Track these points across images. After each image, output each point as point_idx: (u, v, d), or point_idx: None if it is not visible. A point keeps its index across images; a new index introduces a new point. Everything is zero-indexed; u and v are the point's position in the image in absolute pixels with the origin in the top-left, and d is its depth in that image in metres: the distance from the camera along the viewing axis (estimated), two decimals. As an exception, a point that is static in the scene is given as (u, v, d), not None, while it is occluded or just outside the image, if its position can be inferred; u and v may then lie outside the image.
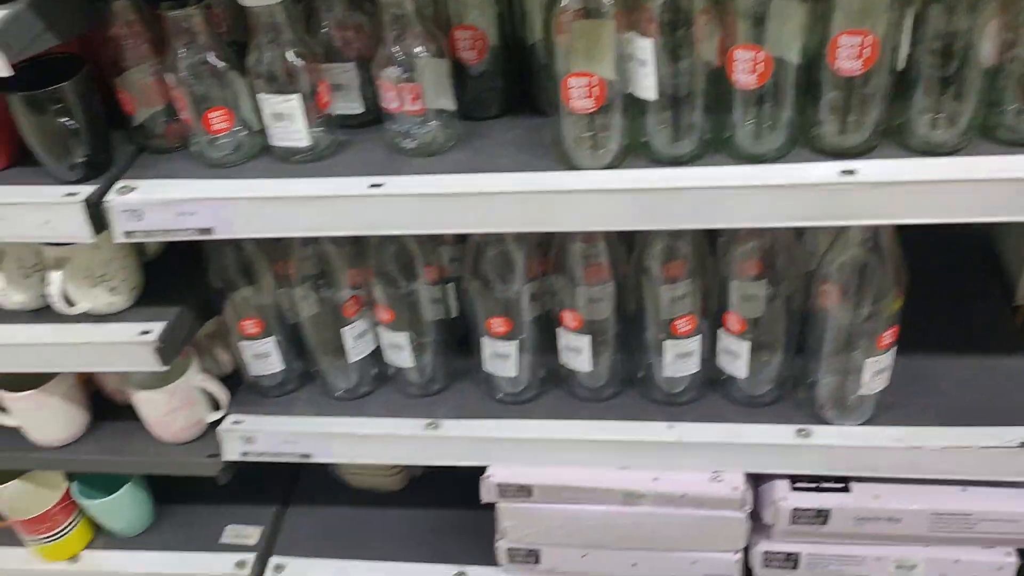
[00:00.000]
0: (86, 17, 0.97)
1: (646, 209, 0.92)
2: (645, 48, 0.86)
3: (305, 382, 1.32)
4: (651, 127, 0.93)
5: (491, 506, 1.25)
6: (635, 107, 0.91)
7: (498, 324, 1.15)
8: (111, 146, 1.03)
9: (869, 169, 0.87)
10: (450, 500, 1.48)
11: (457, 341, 1.26)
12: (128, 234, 1.00)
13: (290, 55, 0.94)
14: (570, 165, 0.95)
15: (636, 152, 0.95)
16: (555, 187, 0.92)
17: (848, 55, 0.84)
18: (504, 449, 1.21)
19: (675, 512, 1.18)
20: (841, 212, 0.89)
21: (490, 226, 0.96)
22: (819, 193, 0.88)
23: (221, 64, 0.96)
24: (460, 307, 1.24)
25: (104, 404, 1.39)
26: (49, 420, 1.30)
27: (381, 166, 0.99)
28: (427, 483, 1.54)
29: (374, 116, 1.06)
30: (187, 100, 0.97)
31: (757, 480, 1.18)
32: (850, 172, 0.87)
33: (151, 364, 1.14)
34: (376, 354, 1.25)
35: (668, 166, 0.93)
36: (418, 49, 0.93)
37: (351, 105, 1.04)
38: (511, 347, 1.17)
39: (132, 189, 0.99)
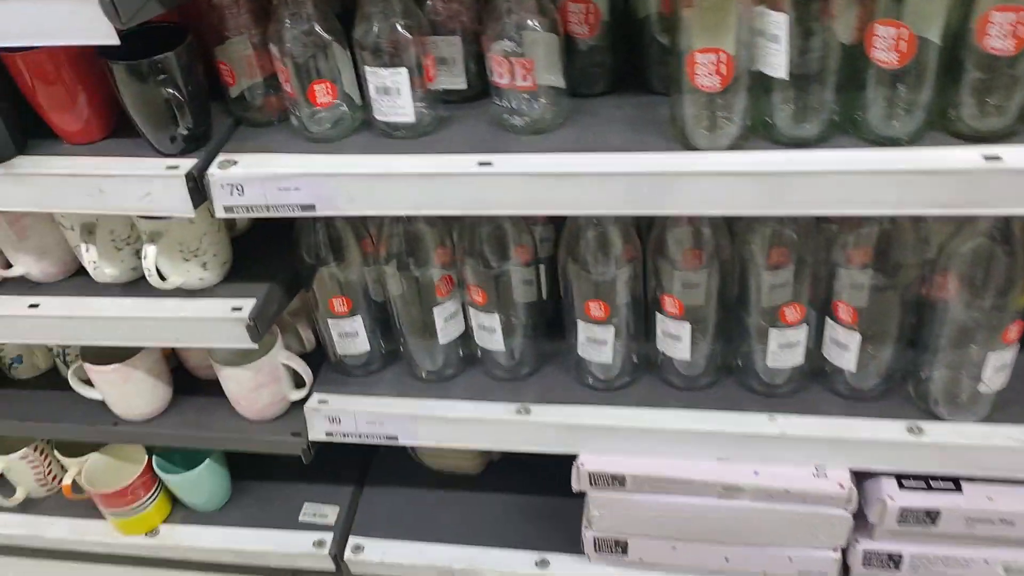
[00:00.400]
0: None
1: (769, 193, 0.87)
2: (779, 23, 0.81)
3: (389, 362, 1.29)
4: (775, 106, 0.88)
5: (573, 492, 1.21)
6: (760, 85, 0.87)
7: (596, 308, 1.11)
8: (211, 119, 1.00)
9: (1015, 155, 0.82)
10: (529, 485, 1.46)
11: (546, 323, 1.23)
12: (228, 209, 0.97)
13: (400, 27, 0.90)
14: (687, 145, 0.90)
15: (757, 132, 0.90)
16: (673, 168, 0.88)
17: (1000, 33, 0.79)
18: (596, 437, 1.18)
19: (775, 507, 1.14)
20: (982, 200, 0.84)
21: (603, 207, 0.92)
22: (960, 180, 0.83)
23: (327, 36, 0.93)
24: (549, 288, 1.21)
25: (185, 378, 1.38)
26: (134, 394, 1.29)
27: (487, 144, 0.96)
28: (505, 467, 1.51)
29: (476, 92, 1.02)
30: (291, 72, 0.94)
31: (859, 476, 1.14)
32: (995, 158, 0.82)
33: (242, 341, 1.12)
34: (464, 335, 1.22)
35: (791, 147, 0.89)
36: (532, 23, 0.89)
37: (455, 80, 1.01)
38: (608, 332, 1.13)
39: (233, 163, 0.96)
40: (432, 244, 1.13)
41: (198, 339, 1.14)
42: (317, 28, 0.93)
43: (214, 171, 0.96)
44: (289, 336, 1.31)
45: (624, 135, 0.94)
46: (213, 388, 1.33)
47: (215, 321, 1.12)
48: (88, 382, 1.31)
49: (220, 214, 0.97)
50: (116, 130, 1.04)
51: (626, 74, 1.03)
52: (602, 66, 1.00)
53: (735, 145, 0.89)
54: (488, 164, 0.92)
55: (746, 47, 0.84)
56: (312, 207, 0.96)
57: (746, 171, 0.86)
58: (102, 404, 1.34)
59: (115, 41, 0.83)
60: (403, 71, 0.92)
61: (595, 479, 1.19)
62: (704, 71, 0.83)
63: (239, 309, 1.12)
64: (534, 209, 0.93)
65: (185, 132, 0.96)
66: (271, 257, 1.21)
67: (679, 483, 1.16)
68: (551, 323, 1.23)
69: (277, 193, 0.95)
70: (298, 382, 1.29)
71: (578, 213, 0.97)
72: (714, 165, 0.87)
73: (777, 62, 0.83)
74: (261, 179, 0.95)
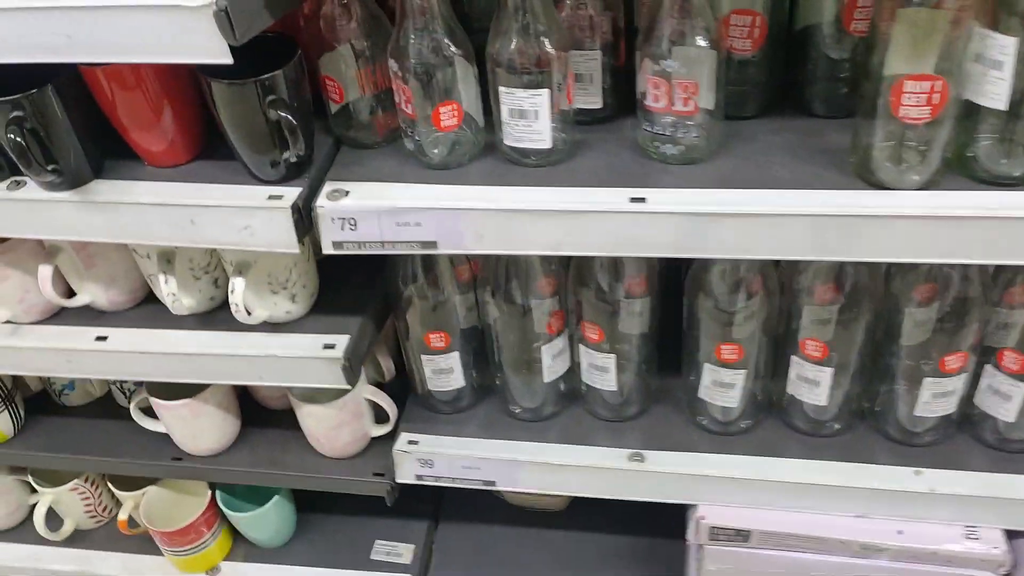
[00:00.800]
0: (300, -8, 0.82)
1: (973, 240, 0.76)
2: (1005, 47, 0.70)
3: (481, 397, 1.18)
4: (980, 140, 0.77)
5: (668, 533, 1.11)
6: (968, 117, 0.75)
7: (728, 351, 1.00)
8: (313, 140, 0.89)
9: None
10: (619, 523, 1.36)
11: (657, 359, 1.12)
12: (337, 245, 0.86)
13: (546, 43, 0.78)
14: (871, 181, 0.79)
15: (951, 168, 0.79)
16: (867, 210, 0.77)
17: None
18: (717, 488, 1.07)
19: (920, 568, 1.04)
20: None
21: (779, 252, 0.81)
22: None
23: (456, 50, 0.81)
24: (660, 320, 1.09)
25: (253, 407, 1.27)
26: (203, 429, 1.19)
27: (631, 174, 0.84)
28: (589, 505, 1.39)
29: (612, 112, 0.91)
30: (414, 91, 0.82)
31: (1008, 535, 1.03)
32: None
33: (335, 381, 1.01)
34: (567, 371, 1.11)
35: (992, 186, 0.77)
36: (699, 39, 0.77)
37: (590, 99, 0.89)
38: (738, 376, 1.02)
39: (344, 193, 0.85)
40: (540, 274, 1.01)
41: (285, 378, 1.03)
42: (446, 42, 0.81)
43: (323, 203, 0.84)
44: (368, 366, 1.20)
45: (791, 166, 0.83)
46: (283, 419, 1.23)
47: (306, 360, 1.00)
48: (151, 413, 1.20)
49: (328, 250, 0.86)
50: (204, 151, 0.92)
51: (781, 93, 0.91)
52: (757, 85, 0.88)
53: (930, 183, 0.77)
54: (641, 201, 0.80)
55: (958, 73, 0.72)
56: (434, 244, 0.85)
57: (955, 215, 0.75)
58: (164, 436, 1.22)
59: (228, 59, 0.71)
60: (544, 93, 0.80)
61: (717, 533, 1.08)
62: (913, 100, 0.72)
63: (332, 347, 1.01)
64: (695, 251, 0.82)
65: (292, 158, 0.84)
66: (357, 284, 1.10)
67: (812, 540, 1.06)
68: (661, 357, 1.11)
69: (395, 229, 0.84)
70: (380, 416, 1.18)
71: (749, 257, 0.86)
72: (914, 208, 0.76)
73: (997, 91, 0.72)
74: (377, 212, 0.84)
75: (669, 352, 1.08)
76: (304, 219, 0.85)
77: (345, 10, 0.85)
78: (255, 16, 0.73)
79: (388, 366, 1.22)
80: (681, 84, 0.79)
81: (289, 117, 0.79)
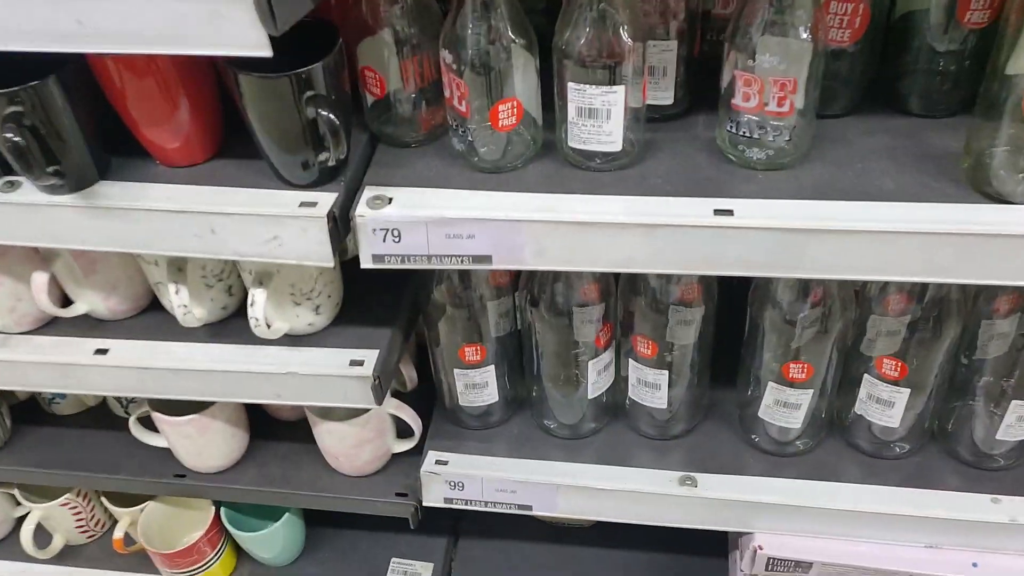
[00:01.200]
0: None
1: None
2: None
3: (512, 410, 1.09)
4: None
5: (702, 550, 1.06)
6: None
7: (797, 370, 0.91)
8: (350, 139, 0.78)
9: None
10: (649, 541, 1.26)
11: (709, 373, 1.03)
12: (378, 259, 0.76)
13: (622, 32, 0.68)
14: (992, 193, 0.70)
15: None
16: (985, 228, 0.68)
17: None
18: (776, 515, 0.99)
19: (995, 605, 0.96)
20: None
21: (885, 272, 0.72)
22: None
23: (520, 40, 0.71)
24: (712, 332, 1.00)
25: (262, 419, 1.17)
26: (209, 445, 1.09)
27: (711, 181, 0.75)
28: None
29: (684, 108, 0.81)
30: (470, 86, 0.72)
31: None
32: None
33: (364, 400, 0.92)
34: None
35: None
36: (800, 28, 0.68)
37: (662, 94, 0.79)
38: (805, 396, 0.94)
39: (387, 201, 0.75)
40: (588, 279, 0.92)
41: (308, 396, 0.94)
42: (510, 33, 0.70)
43: (364, 211, 0.74)
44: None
45: (893, 174, 0.74)
46: (295, 432, 1.14)
47: (332, 379, 0.91)
48: (151, 425, 1.10)
49: (367, 264, 0.76)
50: (223, 148, 0.81)
51: (871, 88, 0.82)
52: (850, 80, 0.79)
53: (1058, 197, 0.69)
54: (728, 213, 0.71)
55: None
56: (488, 259, 0.75)
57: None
58: (166, 451, 1.12)
59: (267, 52, 0.60)
60: (619, 89, 0.71)
61: (774, 564, 1.00)
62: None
63: (360, 363, 0.91)
64: (787, 271, 0.73)
65: (331, 161, 0.73)
66: (383, 290, 1.00)
67: (878, 574, 0.98)
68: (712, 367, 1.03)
69: (444, 241, 0.74)
70: (402, 430, 1.09)
71: (849, 278, 0.76)
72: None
73: None
74: (425, 223, 0.74)
75: (719, 360, 0.99)
76: (340, 229, 0.75)
77: (389, -9, 0.74)
78: (296, 3, 0.62)
79: (411, 375, 1.13)
80: (777, 82, 0.70)
81: (331, 115, 0.69)
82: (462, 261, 0.75)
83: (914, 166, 0.74)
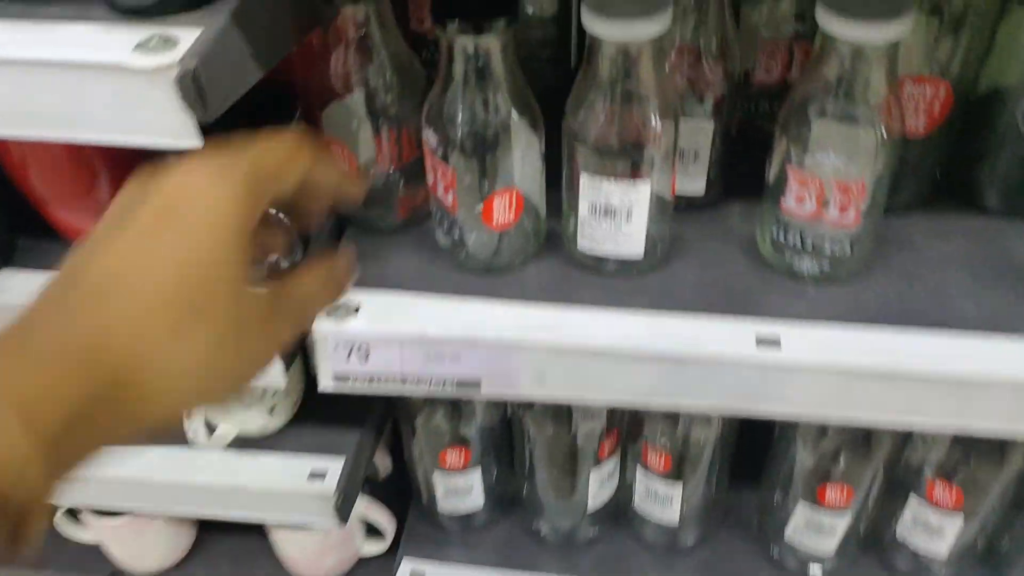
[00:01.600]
0: (298, 28, 0.57)
1: None
2: None
3: (499, 511, 0.95)
4: None
5: None
6: None
7: (834, 494, 0.78)
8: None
9: None
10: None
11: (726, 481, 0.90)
12: (341, 379, 0.61)
13: (651, 112, 0.54)
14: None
15: None
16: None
17: None
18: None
19: None
20: None
21: (952, 421, 0.58)
22: None
23: (522, 118, 0.57)
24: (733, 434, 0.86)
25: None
26: (149, 547, 0.94)
27: (749, 296, 0.61)
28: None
29: (715, 197, 0.67)
30: (459, 173, 0.58)
31: None
32: None
33: (325, 519, 0.77)
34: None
35: None
36: (873, 120, 0.54)
37: (693, 184, 0.65)
38: (843, 521, 0.80)
39: (353, 311, 0.60)
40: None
41: (257, 513, 0.79)
42: (510, 112, 0.56)
43: (325, 323, 0.59)
44: (360, 464, 0.96)
45: (973, 294, 0.60)
46: (251, 527, 0.98)
47: (285, 495, 0.76)
48: (81, 522, 0.95)
49: (328, 386, 0.61)
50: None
51: (940, 179, 0.68)
52: (919, 171, 0.65)
53: None
54: (774, 344, 0.57)
55: None
56: (476, 385, 0.61)
57: None
58: (96, 549, 0.98)
59: (195, 142, 0.46)
60: (644, 186, 0.56)
61: None
62: None
63: (321, 476, 0.77)
64: (842, 418, 0.59)
65: (283, 264, 0.58)
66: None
67: None
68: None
69: (422, 363, 0.59)
70: (373, 529, 0.94)
71: (915, 426, 0.62)
72: None
73: None
74: (400, 341, 0.59)
75: (739, 459, 0.86)
76: (297, 345, 0.60)
77: (361, 45, 0.60)
78: (235, 77, 0.48)
79: (384, 463, 0.99)
80: (841, 185, 0.55)
81: (279, 215, 0.54)
82: (444, 385, 0.61)
83: (998, 282, 0.61)
